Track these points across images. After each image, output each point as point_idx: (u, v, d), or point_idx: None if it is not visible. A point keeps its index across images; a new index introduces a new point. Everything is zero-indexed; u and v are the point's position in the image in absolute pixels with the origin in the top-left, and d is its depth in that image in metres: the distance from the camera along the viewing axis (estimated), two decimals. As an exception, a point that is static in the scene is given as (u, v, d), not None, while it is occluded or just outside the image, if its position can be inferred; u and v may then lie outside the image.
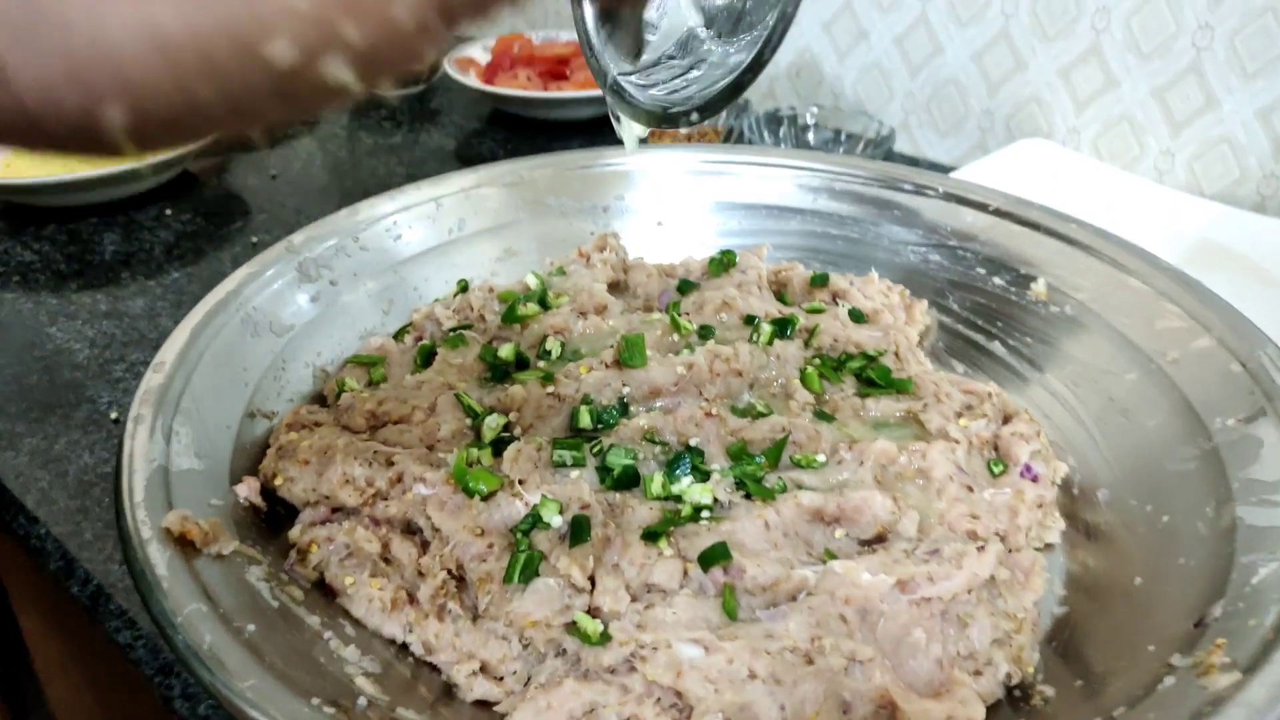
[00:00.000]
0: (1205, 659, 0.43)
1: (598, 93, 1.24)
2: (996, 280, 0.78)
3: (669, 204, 0.89)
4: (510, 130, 1.33)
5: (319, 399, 0.68)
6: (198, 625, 0.41)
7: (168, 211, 1.09)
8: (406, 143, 1.31)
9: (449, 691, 0.51)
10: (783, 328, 0.70)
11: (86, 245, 1.02)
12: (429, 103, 1.44)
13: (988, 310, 0.78)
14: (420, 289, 0.79)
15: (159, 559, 0.44)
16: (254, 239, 1.03)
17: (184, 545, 0.47)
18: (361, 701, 0.42)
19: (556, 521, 0.54)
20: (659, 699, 0.47)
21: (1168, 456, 0.60)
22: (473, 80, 1.32)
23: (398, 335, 0.73)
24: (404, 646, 0.52)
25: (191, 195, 1.13)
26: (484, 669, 0.51)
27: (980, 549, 0.53)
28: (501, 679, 0.51)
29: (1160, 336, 0.66)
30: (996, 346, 0.76)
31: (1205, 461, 0.57)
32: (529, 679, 0.51)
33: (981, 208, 0.81)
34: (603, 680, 0.48)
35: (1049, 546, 0.60)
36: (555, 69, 1.34)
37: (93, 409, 0.76)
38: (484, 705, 0.50)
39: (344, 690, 0.43)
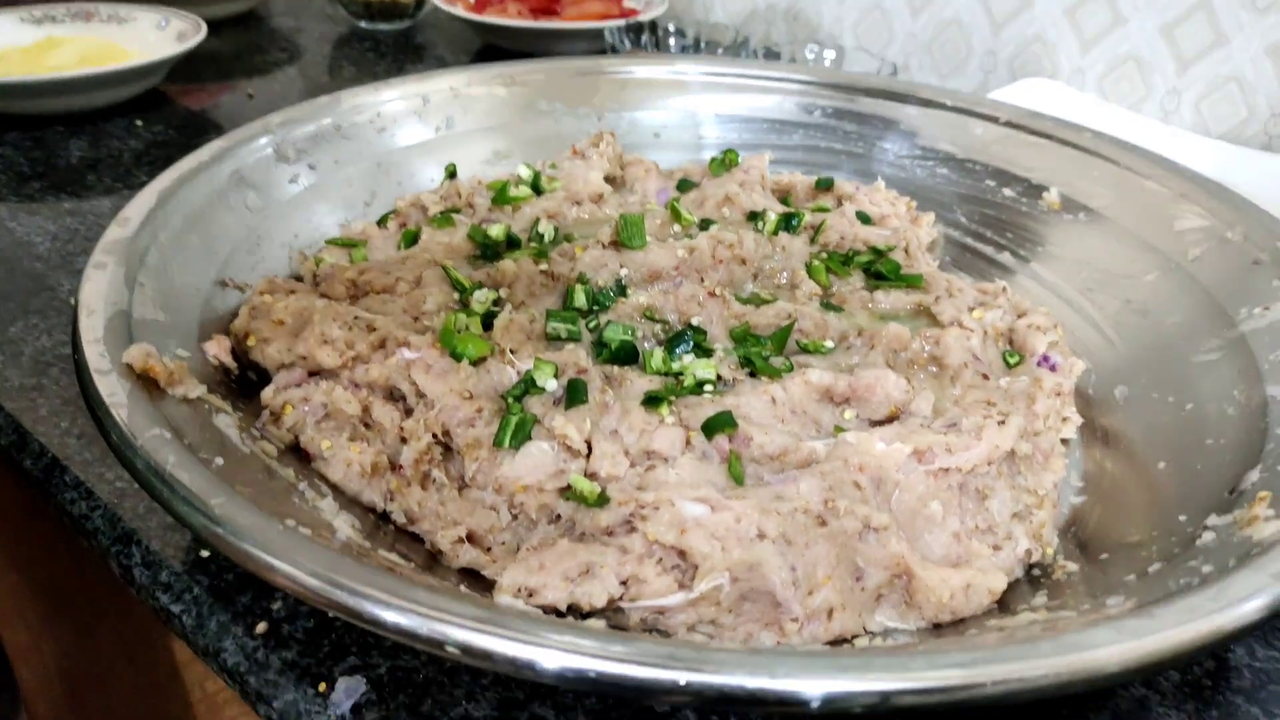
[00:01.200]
0: (1248, 512, 0.40)
1: (590, 25, 1.20)
2: (1007, 192, 0.76)
3: (667, 115, 0.86)
4: (499, 64, 1.29)
5: (295, 279, 0.64)
6: (160, 449, 0.37)
7: (138, 123, 1.04)
8: (390, 73, 1.26)
9: (433, 559, 0.47)
10: (788, 221, 0.67)
11: (52, 151, 0.97)
12: (415, 39, 1.39)
13: (998, 222, 0.75)
14: (404, 184, 0.75)
15: (118, 389, 0.40)
16: (230, 150, 0.99)
17: (146, 383, 0.43)
18: (340, 535, 0.39)
19: (551, 386, 0.50)
20: (660, 559, 0.43)
21: (1190, 349, 0.57)
22: (460, 10, 1.28)
23: (381, 221, 0.69)
24: (384, 516, 0.49)
25: (163, 110, 1.08)
26: (471, 537, 0.47)
27: (1000, 422, 0.50)
28: (489, 549, 0.47)
29: (1181, 237, 0.64)
30: (1007, 258, 0.73)
31: (1231, 350, 0.55)
32: (518, 547, 0.47)
33: (992, 120, 0.78)
34: (600, 541, 0.44)
35: (1065, 443, 0.57)
36: (546, 4, 1.30)
37: (52, 296, 0.72)
38: (471, 573, 0.46)
39: (322, 524, 0.39)
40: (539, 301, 0.58)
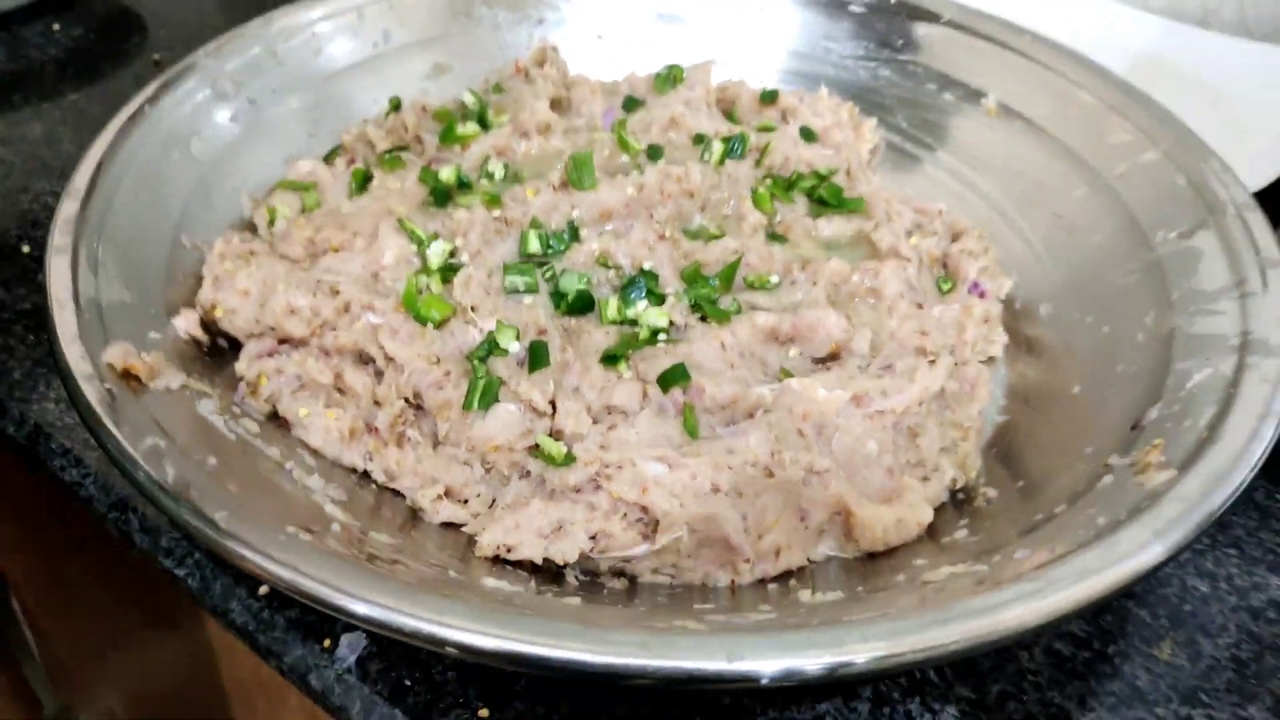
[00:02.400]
0: (1142, 458, 0.45)
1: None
2: (946, 96, 0.77)
3: (609, 14, 0.84)
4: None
5: (249, 227, 0.64)
6: (158, 460, 0.40)
7: (55, 27, 0.99)
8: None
9: (415, 516, 0.51)
10: (733, 146, 0.68)
11: (-33, 63, 0.92)
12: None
13: (936, 127, 0.77)
14: (347, 109, 0.74)
15: (105, 396, 0.42)
16: (155, 56, 0.95)
17: (129, 380, 0.45)
18: (335, 527, 0.42)
19: (514, 348, 0.53)
20: (625, 514, 0.48)
21: (1111, 270, 0.61)
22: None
23: (328, 157, 0.69)
24: (365, 475, 0.52)
25: (77, 9, 1.03)
26: (448, 493, 0.51)
27: (931, 363, 0.54)
28: (466, 502, 0.51)
29: (1110, 151, 0.66)
30: (942, 159, 0.76)
31: (1147, 273, 0.59)
32: (494, 501, 0.51)
33: (933, 19, 0.79)
34: (569, 499, 0.49)
35: (991, 360, 0.62)
36: None
37: (2, 243, 0.71)
38: (451, 526, 0.51)
39: (315, 515, 0.43)
40: (493, 249, 0.60)
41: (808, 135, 0.72)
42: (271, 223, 0.62)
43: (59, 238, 0.51)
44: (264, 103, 0.69)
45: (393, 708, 0.44)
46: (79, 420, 0.44)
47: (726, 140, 0.68)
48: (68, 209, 0.53)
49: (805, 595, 0.43)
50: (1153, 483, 0.43)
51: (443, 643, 0.36)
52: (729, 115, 0.76)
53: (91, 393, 0.42)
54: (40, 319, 0.65)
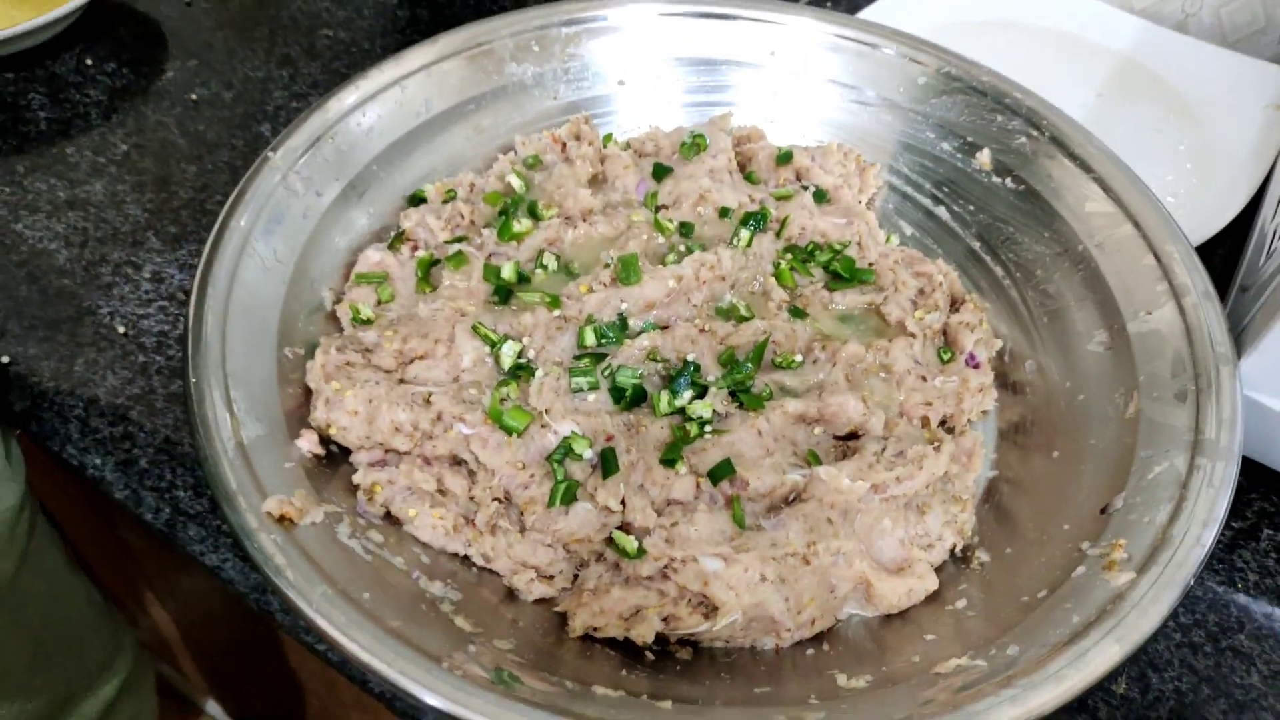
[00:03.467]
0: (1109, 553, 0.56)
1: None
2: (944, 146, 0.84)
3: (630, 61, 0.90)
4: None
5: (332, 318, 0.72)
6: (328, 607, 0.50)
7: (88, 62, 1.03)
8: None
9: (510, 594, 0.62)
10: (756, 221, 0.76)
11: (16, 113, 0.97)
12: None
13: (935, 175, 0.85)
14: (402, 181, 0.81)
15: (274, 548, 0.52)
16: (192, 95, 1.00)
17: (283, 523, 0.55)
18: (471, 649, 0.53)
19: (588, 454, 0.62)
20: (690, 600, 0.59)
21: (1086, 338, 0.71)
22: None
23: (392, 244, 0.76)
24: (465, 558, 0.63)
25: (105, 37, 1.06)
26: (536, 573, 0.62)
27: (936, 448, 0.64)
28: (552, 578, 0.62)
29: (1089, 219, 0.75)
30: (942, 211, 0.84)
31: (1117, 348, 0.69)
32: (575, 576, 0.62)
33: (932, 68, 0.85)
34: (643, 587, 0.59)
35: (984, 414, 0.72)
36: None
37: (96, 323, 0.79)
38: (542, 602, 0.62)
39: (453, 634, 0.53)
40: (555, 343, 0.69)
41: (820, 197, 0.80)
42: (355, 319, 0.70)
43: (195, 380, 0.60)
44: (327, 192, 0.76)
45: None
46: (200, 494, 0.53)
47: (749, 218, 0.76)
48: (193, 349, 0.61)
49: (842, 680, 0.55)
50: (1117, 582, 0.54)
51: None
52: (747, 176, 0.83)
53: (266, 544, 0.52)
54: (148, 405, 0.74)
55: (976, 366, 0.72)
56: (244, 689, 1.35)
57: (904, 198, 0.86)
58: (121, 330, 0.79)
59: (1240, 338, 0.68)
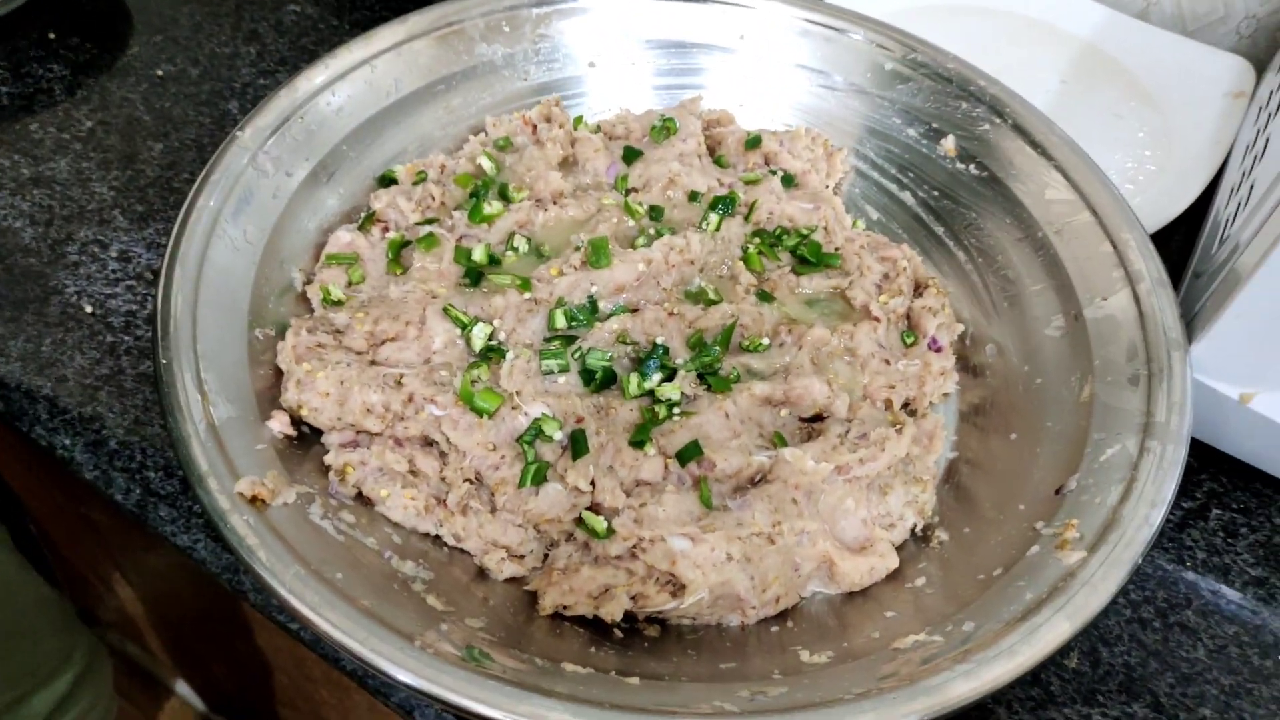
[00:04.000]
0: (1062, 533, 0.58)
1: None
2: (910, 131, 0.86)
3: (600, 43, 0.90)
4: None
5: (302, 299, 0.72)
6: (301, 587, 0.51)
7: (51, 36, 1.01)
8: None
9: (482, 572, 0.63)
10: (725, 205, 0.77)
11: (-26, 85, 0.95)
12: None
13: (900, 160, 0.86)
14: (371, 162, 0.81)
15: (247, 529, 0.53)
16: (158, 71, 0.99)
17: (255, 503, 0.55)
18: (442, 627, 0.54)
19: (558, 435, 0.63)
20: (658, 579, 0.60)
21: (1044, 322, 0.73)
22: None
23: (363, 226, 0.76)
24: (437, 537, 0.64)
25: (69, 11, 1.04)
26: (507, 552, 0.63)
27: (898, 431, 0.66)
28: (522, 557, 0.63)
29: (1049, 206, 0.77)
30: (907, 196, 0.85)
31: (1073, 332, 0.71)
32: (545, 556, 0.63)
33: (899, 54, 0.86)
34: (612, 566, 0.61)
35: (945, 395, 0.74)
36: None
37: (63, 301, 0.79)
38: (513, 581, 0.63)
39: (425, 612, 0.54)
40: (526, 325, 0.69)
41: (788, 181, 0.81)
42: (325, 300, 0.70)
43: (164, 358, 0.60)
44: (297, 172, 0.76)
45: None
46: (170, 475, 0.54)
47: (718, 202, 0.77)
48: (163, 329, 0.61)
49: (805, 655, 0.56)
50: (1068, 561, 0.56)
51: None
52: (717, 160, 0.84)
53: (239, 525, 0.53)
54: (117, 385, 0.73)
55: (938, 350, 0.74)
56: (212, 667, 1.35)
57: (870, 182, 0.87)
58: (89, 310, 0.78)
59: (1193, 323, 0.70)
